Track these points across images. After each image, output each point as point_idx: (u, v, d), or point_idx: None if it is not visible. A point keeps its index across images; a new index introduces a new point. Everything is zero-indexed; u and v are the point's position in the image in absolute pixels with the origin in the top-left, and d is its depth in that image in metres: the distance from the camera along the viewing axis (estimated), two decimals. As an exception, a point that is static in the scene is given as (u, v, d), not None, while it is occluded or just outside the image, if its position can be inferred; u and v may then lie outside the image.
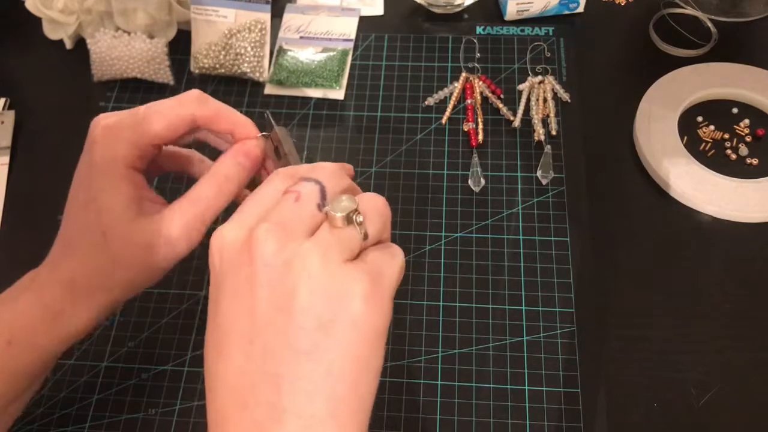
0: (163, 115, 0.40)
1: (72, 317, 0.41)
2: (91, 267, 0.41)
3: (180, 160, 0.47)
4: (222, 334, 0.32)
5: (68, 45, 0.71)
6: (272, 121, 0.42)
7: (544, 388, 0.50)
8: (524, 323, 0.53)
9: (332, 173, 0.35)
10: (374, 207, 0.35)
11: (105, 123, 0.40)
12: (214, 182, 0.41)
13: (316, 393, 0.30)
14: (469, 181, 0.60)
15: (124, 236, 0.40)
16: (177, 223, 0.40)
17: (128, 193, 0.40)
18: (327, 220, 0.33)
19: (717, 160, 0.60)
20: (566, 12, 0.71)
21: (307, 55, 0.68)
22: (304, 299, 0.31)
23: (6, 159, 0.64)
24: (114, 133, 0.40)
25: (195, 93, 0.42)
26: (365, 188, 0.60)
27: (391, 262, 0.34)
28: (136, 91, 0.67)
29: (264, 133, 0.42)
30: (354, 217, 0.33)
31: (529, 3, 0.69)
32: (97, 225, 0.40)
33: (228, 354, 0.31)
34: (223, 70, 0.67)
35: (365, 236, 0.33)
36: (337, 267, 0.32)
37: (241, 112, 0.43)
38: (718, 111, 0.63)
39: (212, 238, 0.34)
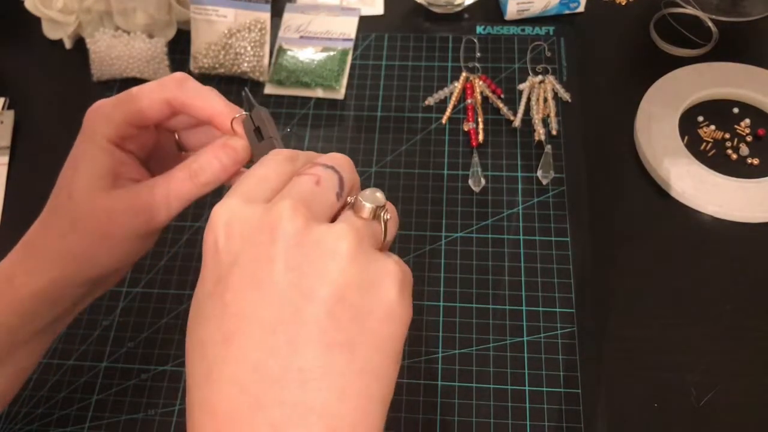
0: (141, 97, 0.40)
1: (23, 285, 0.40)
2: (50, 227, 0.40)
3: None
4: (234, 322, 0.28)
5: (68, 45, 0.71)
6: (252, 100, 0.39)
7: (545, 389, 0.50)
8: (524, 323, 0.53)
9: (347, 164, 0.33)
10: (393, 213, 0.33)
11: (97, 103, 0.40)
12: (186, 170, 0.40)
13: (349, 391, 0.27)
14: (470, 181, 0.60)
15: (89, 200, 0.39)
16: (142, 197, 0.39)
17: (104, 164, 0.39)
18: (351, 209, 0.32)
19: (718, 160, 0.60)
20: (567, 12, 0.71)
21: (307, 54, 0.68)
22: (339, 286, 0.28)
23: (5, 159, 0.64)
24: (99, 110, 0.40)
25: (177, 75, 0.40)
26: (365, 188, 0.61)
27: (406, 266, 0.32)
28: (136, 90, 0.67)
29: (244, 113, 0.39)
30: (382, 214, 0.32)
31: (529, 3, 0.69)
32: (68, 187, 0.39)
33: (242, 345, 0.28)
34: (222, 70, 0.67)
35: (384, 236, 0.32)
36: (371, 253, 0.29)
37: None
38: (718, 111, 0.63)
39: (215, 212, 0.30)
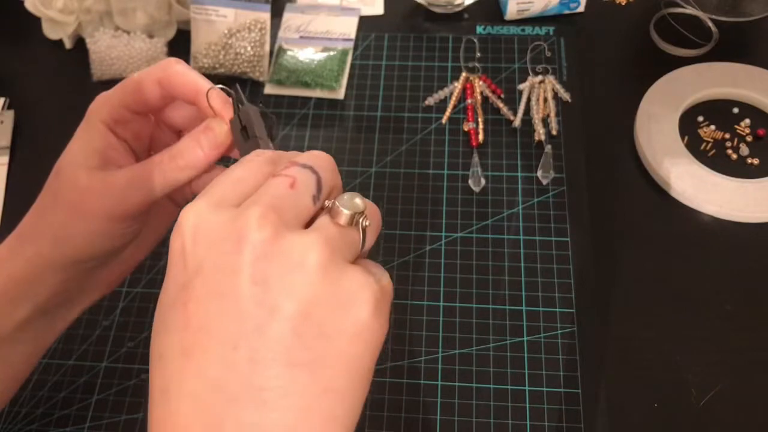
0: (136, 79, 0.40)
1: (6, 264, 0.40)
2: (38, 205, 0.40)
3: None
4: (194, 335, 0.27)
5: (68, 45, 0.71)
6: (242, 97, 0.38)
7: (545, 389, 0.50)
8: (525, 323, 0.53)
9: (328, 164, 0.31)
10: (375, 216, 0.31)
11: (102, 93, 0.41)
12: (166, 153, 0.39)
13: (311, 412, 0.26)
14: (470, 181, 0.60)
15: (71, 176, 0.39)
16: (119, 177, 0.39)
17: (93, 144, 0.39)
18: (328, 214, 0.30)
19: (718, 160, 0.60)
20: (567, 11, 0.71)
21: (307, 54, 0.68)
22: (305, 302, 0.26)
23: (5, 159, 0.64)
24: (101, 96, 0.41)
25: (170, 59, 0.40)
26: (365, 188, 0.61)
27: (386, 277, 0.30)
28: (136, 90, 0.67)
29: (221, 86, 0.39)
30: (360, 220, 0.30)
31: (529, 2, 0.69)
32: (58, 164, 0.40)
33: (202, 359, 0.26)
34: (222, 70, 0.67)
35: (362, 244, 0.30)
36: (343, 267, 0.28)
37: None
38: (718, 111, 0.63)
39: (182, 215, 0.29)
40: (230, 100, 0.39)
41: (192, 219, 0.28)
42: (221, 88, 0.39)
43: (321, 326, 0.27)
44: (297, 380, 0.26)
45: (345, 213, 0.29)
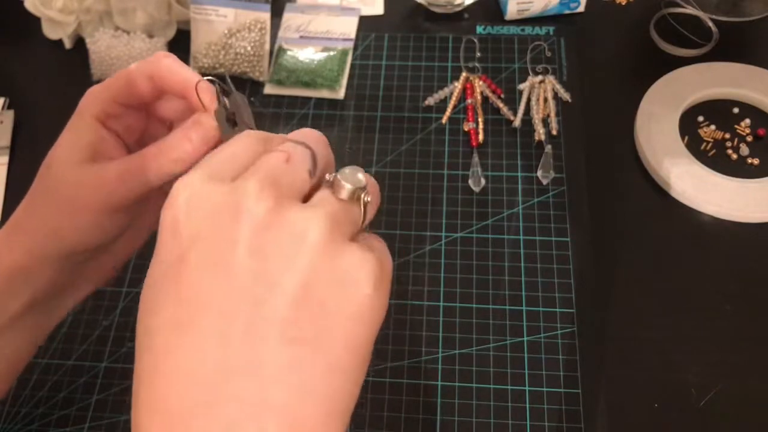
0: (127, 73, 0.40)
1: (1, 257, 0.40)
2: (29, 199, 0.40)
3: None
4: (188, 308, 0.26)
5: (67, 44, 0.71)
6: (230, 86, 0.38)
7: (545, 389, 0.50)
8: (525, 324, 0.53)
9: (320, 140, 0.31)
10: (375, 192, 0.31)
11: (93, 86, 0.41)
12: (156, 147, 0.39)
13: (313, 390, 0.25)
14: (470, 181, 0.60)
15: (62, 170, 0.39)
16: (111, 171, 0.39)
17: (84, 138, 0.39)
18: (328, 189, 0.29)
19: (718, 160, 0.60)
20: (567, 11, 0.71)
21: (307, 54, 0.68)
22: (305, 276, 0.26)
23: (5, 159, 0.64)
24: (91, 90, 0.40)
25: (159, 53, 0.40)
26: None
27: (386, 253, 0.29)
28: (136, 90, 0.67)
29: (209, 77, 0.38)
30: (362, 195, 0.29)
31: (529, 2, 0.69)
32: (49, 157, 0.40)
33: (196, 334, 0.25)
34: (222, 70, 0.67)
35: (363, 220, 0.30)
36: (345, 243, 0.27)
37: None
38: (719, 111, 0.63)
39: (175, 188, 0.28)
40: (215, 89, 0.39)
41: (185, 191, 0.27)
42: (209, 80, 0.38)
43: (321, 303, 0.26)
44: (297, 357, 0.25)
45: (347, 187, 0.29)
